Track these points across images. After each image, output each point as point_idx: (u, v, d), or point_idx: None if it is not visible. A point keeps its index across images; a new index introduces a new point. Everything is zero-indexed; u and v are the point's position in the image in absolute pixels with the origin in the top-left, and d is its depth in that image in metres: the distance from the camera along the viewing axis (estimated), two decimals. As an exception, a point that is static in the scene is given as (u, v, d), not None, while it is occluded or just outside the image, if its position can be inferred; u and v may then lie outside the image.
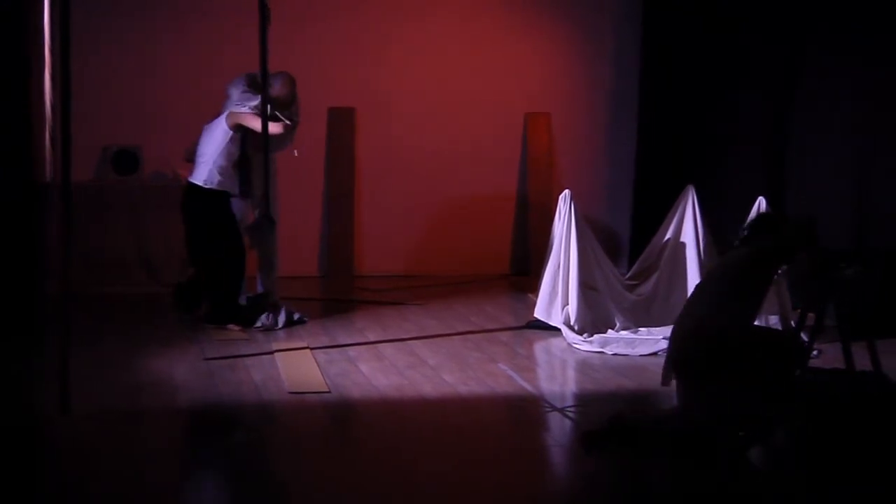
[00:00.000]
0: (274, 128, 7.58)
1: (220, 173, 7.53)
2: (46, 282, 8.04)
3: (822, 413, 5.30)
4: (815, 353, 6.51)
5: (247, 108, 7.56)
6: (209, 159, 7.53)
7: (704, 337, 5.27)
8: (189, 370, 6.58)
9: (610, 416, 5.35)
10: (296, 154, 8.05)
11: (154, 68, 9.47)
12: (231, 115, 7.54)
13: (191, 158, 7.85)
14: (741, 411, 5.16)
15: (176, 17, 9.57)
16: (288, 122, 7.65)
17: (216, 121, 7.59)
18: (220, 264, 7.58)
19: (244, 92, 7.67)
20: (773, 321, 7.42)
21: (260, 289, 7.94)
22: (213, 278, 7.62)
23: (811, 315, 6.17)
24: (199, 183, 7.53)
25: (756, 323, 5.70)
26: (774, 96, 9.12)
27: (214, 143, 7.52)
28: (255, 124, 7.44)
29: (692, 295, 5.75)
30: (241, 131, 7.55)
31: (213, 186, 7.54)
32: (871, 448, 5.15)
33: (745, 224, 5.80)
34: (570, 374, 6.96)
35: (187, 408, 5.90)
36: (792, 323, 7.09)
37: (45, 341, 6.87)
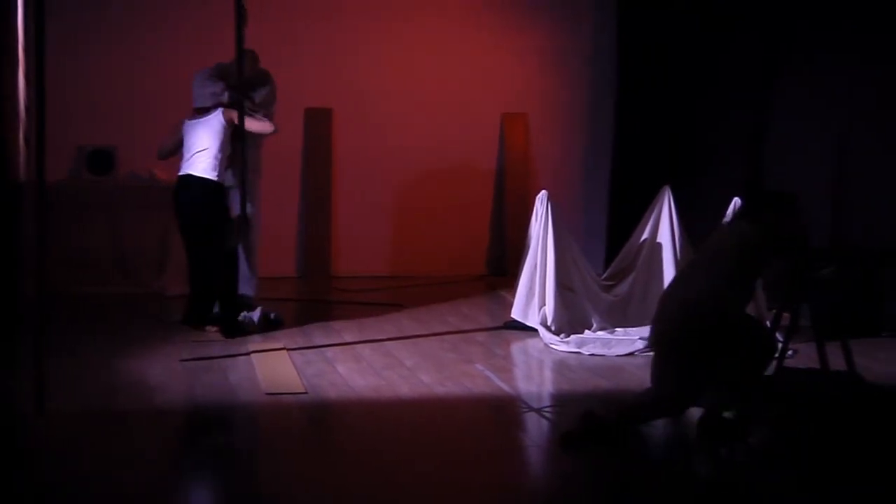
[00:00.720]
0: (263, 126, 7.60)
1: (222, 166, 7.51)
2: (22, 282, 7.98)
3: (805, 411, 5.32)
4: (790, 352, 6.55)
5: (207, 94, 7.54)
6: (214, 152, 7.47)
7: (696, 317, 5.23)
8: (165, 371, 6.55)
9: (581, 413, 5.35)
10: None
11: (130, 68, 9.42)
12: (227, 111, 7.51)
13: (166, 156, 7.82)
14: (721, 398, 5.16)
15: (153, 17, 9.53)
16: (268, 120, 7.68)
17: (210, 116, 7.51)
18: (223, 261, 7.50)
19: (207, 78, 7.63)
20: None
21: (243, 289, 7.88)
22: (215, 277, 7.52)
23: (786, 315, 6.21)
24: (208, 175, 7.45)
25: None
26: (754, 97, 9.15)
27: (216, 137, 7.47)
28: (249, 125, 7.47)
29: (682, 272, 5.68)
30: (232, 127, 7.54)
31: (220, 179, 7.51)
32: (854, 446, 5.17)
33: (750, 196, 5.67)
34: (547, 374, 6.97)
35: (163, 409, 5.86)
36: (767, 323, 7.12)
37: (21, 341, 6.82)
